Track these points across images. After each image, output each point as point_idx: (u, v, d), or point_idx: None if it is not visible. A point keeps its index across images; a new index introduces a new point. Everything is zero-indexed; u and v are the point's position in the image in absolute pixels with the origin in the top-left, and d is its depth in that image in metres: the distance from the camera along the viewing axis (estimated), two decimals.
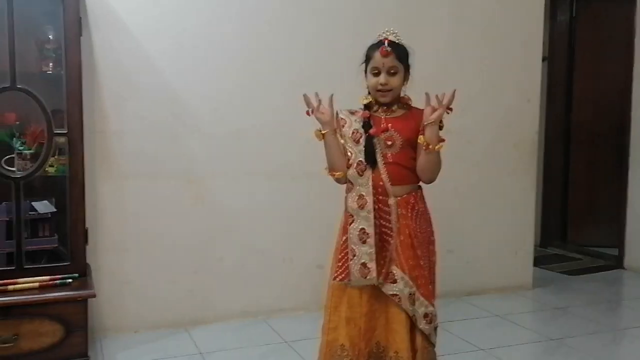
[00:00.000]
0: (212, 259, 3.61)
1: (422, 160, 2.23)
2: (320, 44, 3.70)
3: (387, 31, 2.22)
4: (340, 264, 2.28)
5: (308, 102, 2.23)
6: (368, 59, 2.24)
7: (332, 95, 2.23)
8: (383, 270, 2.22)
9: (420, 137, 2.19)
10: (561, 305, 4.06)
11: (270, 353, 3.20)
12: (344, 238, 2.27)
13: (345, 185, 2.29)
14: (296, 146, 3.61)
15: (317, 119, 2.24)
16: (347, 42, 3.46)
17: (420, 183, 2.32)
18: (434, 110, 2.15)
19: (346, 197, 2.26)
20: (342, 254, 2.27)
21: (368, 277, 2.19)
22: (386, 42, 2.19)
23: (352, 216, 2.22)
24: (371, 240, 2.19)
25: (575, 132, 5.80)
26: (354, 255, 2.20)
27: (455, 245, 4.10)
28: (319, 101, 2.22)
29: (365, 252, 2.19)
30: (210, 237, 3.59)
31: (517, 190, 4.35)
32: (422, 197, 2.33)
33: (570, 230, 5.86)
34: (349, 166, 2.24)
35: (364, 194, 2.21)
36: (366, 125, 2.25)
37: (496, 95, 4.21)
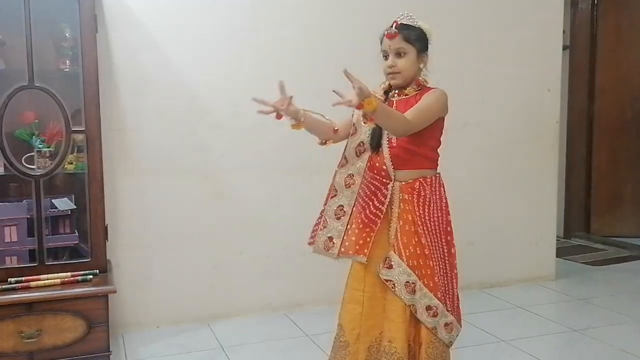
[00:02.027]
0: (232, 254, 3.62)
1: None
2: (339, 36, 3.68)
3: (401, 15, 2.14)
4: (315, 227, 2.29)
5: (271, 109, 2.09)
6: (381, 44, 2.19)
7: (281, 82, 2.08)
8: (366, 251, 2.14)
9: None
10: (584, 296, 4.01)
11: (291, 347, 3.21)
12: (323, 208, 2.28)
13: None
14: (315, 140, 3.59)
15: (288, 115, 2.14)
16: (365, 33, 3.43)
17: (438, 171, 2.23)
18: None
19: (336, 171, 2.27)
20: (318, 220, 2.28)
21: (330, 251, 2.21)
22: (394, 24, 2.11)
23: (336, 190, 2.25)
24: (345, 219, 2.21)
25: (598, 121, 5.72)
26: (324, 227, 2.24)
27: (476, 237, 4.08)
28: (289, 98, 2.09)
29: (335, 228, 2.22)
30: (230, 231, 3.60)
31: (538, 181, 4.30)
32: (433, 184, 2.18)
33: (594, 221, 5.79)
34: (344, 137, 2.25)
35: (354, 174, 2.22)
36: None
37: (516, 85, 4.16)
